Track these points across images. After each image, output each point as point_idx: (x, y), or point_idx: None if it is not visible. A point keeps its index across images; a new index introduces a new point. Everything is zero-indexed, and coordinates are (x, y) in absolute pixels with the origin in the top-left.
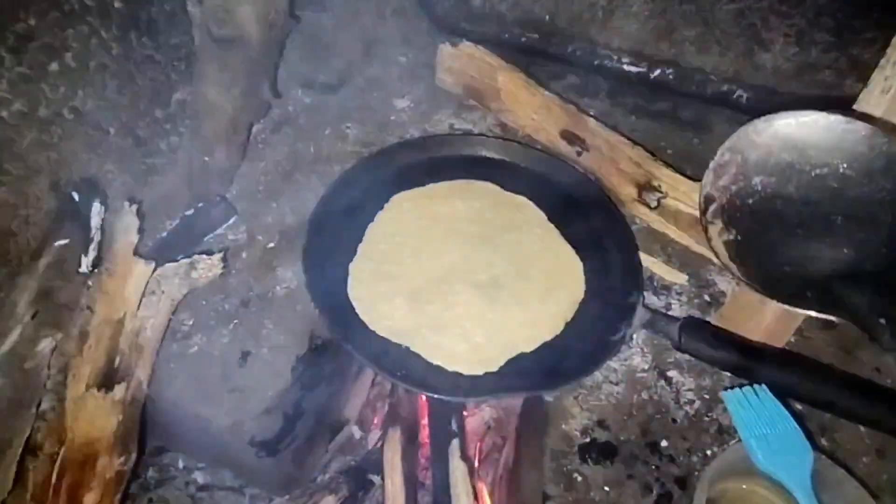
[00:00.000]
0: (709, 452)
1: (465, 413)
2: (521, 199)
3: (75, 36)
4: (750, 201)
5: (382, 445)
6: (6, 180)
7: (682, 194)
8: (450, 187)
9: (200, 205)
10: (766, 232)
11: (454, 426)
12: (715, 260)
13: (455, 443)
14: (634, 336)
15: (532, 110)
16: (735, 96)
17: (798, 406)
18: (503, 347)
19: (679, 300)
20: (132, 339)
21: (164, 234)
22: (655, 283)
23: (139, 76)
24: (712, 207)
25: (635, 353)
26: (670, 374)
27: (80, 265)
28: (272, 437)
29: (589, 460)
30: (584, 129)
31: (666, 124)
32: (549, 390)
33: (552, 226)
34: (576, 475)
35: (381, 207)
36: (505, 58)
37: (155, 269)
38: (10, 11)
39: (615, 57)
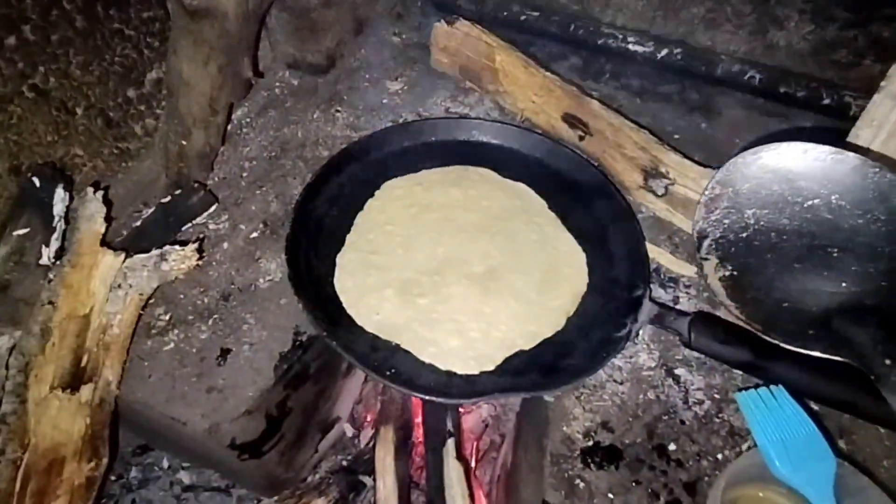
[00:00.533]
0: (720, 456)
1: (461, 410)
2: (520, 185)
3: (34, 7)
4: (744, 235)
5: (374, 445)
6: None
7: (691, 181)
8: (444, 173)
9: (178, 192)
10: (762, 267)
11: (449, 425)
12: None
13: (451, 442)
14: (640, 332)
15: (532, 92)
16: (747, 77)
17: (814, 406)
18: (500, 344)
19: (687, 293)
20: (99, 337)
21: (138, 223)
22: (662, 276)
23: (107, 52)
24: (706, 243)
25: (641, 350)
26: (678, 372)
27: (41, 256)
28: (255, 438)
29: (592, 465)
30: (586, 112)
31: (673, 107)
32: (550, 390)
33: (553, 214)
34: (578, 481)
35: (372, 195)
36: (503, 37)
37: (124, 261)
38: None
39: (620, 36)
